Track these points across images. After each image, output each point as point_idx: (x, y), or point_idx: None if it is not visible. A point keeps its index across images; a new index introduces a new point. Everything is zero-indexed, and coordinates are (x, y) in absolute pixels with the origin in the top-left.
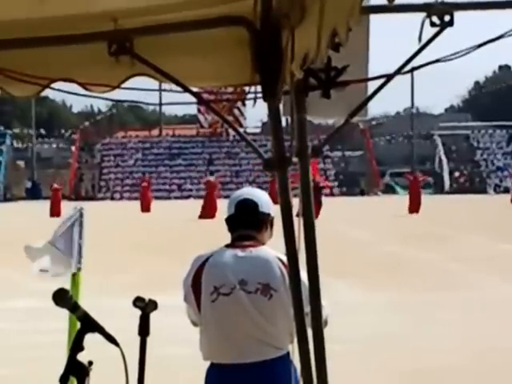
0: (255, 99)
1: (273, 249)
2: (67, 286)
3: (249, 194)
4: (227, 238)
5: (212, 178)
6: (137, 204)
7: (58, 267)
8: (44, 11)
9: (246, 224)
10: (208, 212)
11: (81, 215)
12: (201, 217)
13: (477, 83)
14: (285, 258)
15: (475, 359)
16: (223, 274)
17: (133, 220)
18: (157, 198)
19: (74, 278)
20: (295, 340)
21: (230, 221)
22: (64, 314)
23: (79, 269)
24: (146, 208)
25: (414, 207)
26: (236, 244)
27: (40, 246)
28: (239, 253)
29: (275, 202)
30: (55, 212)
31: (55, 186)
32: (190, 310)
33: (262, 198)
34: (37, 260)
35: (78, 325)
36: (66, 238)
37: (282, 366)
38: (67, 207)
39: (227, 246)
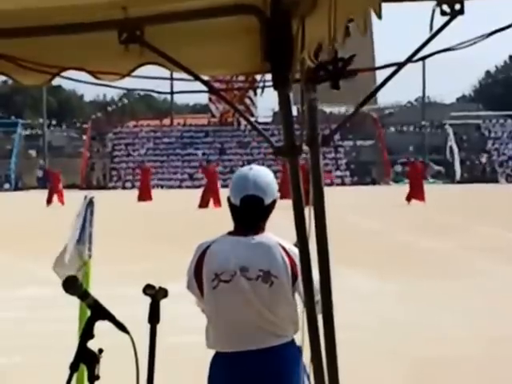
0: (263, 87)
1: (281, 236)
2: (77, 273)
3: (254, 186)
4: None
5: (212, 165)
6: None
7: (72, 266)
8: (53, 1)
9: (252, 218)
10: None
11: (91, 203)
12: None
13: (488, 73)
14: (287, 245)
15: (487, 347)
16: (224, 261)
17: (141, 209)
18: (168, 187)
19: (85, 265)
20: (305, 328)
21: (233, 210)
22: (74, 302)
23: (89, 256)
24: (147, 197)
25: (415, 195)
26: (238, 231)
27: (61, 255)
28: (241, 239)
29: (287, 192)
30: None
31: (53, 170)
32: (195, 297)
33: (267, 188)
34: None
35: (89, 313)
36: (79, 226)
37: (286, 352)
38: (77, 197)
39: (230, 233)
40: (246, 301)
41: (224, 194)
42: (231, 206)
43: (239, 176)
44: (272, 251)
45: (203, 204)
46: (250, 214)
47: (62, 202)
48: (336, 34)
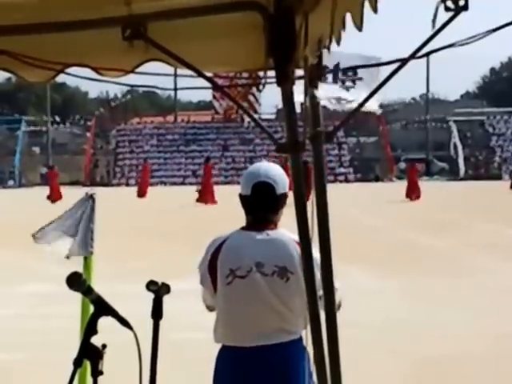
0: (265, 84)
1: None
2: (79, 270)
3: (266, 175)
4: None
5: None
6: (151, 190)
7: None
8: None
9: (263, 208)
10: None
11: (92, 200)
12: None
13: (492, 69)
14: None
15: (490, 345)
16: (239, 257)
17: (144, 206)
18: (172, 183)
19: (86, 261)
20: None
21: (245, 201)
22: (76, 298)
23: (91, 253)
24: (143, 194)
25: (413, 194)
26: (252, 226)
27: (48, 233)
28: (256, 235)
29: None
30: (55, 197)
31: (53, 170)
32: (206, 293)
33: (278, 179)
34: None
35: (91, 309)
36: (77, 222)
37: (295, 349)
38: (80, 193)
39: (243, 228)
40: (262, 296)
41: (223, 190)
42: (242, 198)
43: (249, 170)
44: (287, 247)
45: (200, 199)
46: (262, 202)
47: (57, 198)
48: (334, 29)
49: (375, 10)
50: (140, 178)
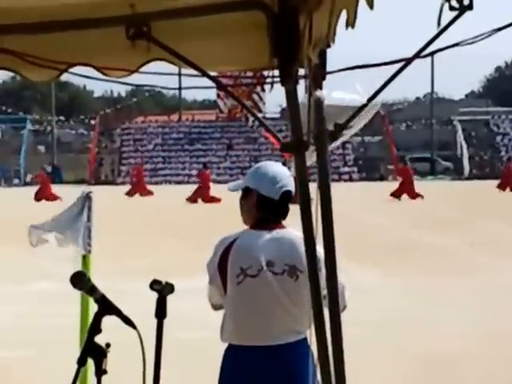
0: (272, 84)
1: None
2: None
3: (289, 183)
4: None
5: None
6: (155, 189)
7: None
8: None
9: (283, 214)
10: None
11: (89, 198)
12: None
13: (497, 68)
14: None
15: (489, 344)
16: (250, 256)
17: (147, 205)
18: (177, 182)
19: (85, 260)
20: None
21: (267, 203)
22: (77, 297)
23: (89, 251)
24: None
25: (411, 194)
26: (262, 226)
27: (44, 231)
28: (266, 234)
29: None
30: (42, 196)
31: (41, 171)
32: (214, 292)
33: (294, 187)
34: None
35: (91, 308)
36: (74, 221)
37: (300, 349)
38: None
39: (252, 227)
40: (273, 295)
41: (221, 189)
42: (264, 199)
43: (275, 172)
44: (296, 246)
45: (192, 199)
46: (284, 210)
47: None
48: (331, 27)
49: (371, 6)
50: (134, 178)
